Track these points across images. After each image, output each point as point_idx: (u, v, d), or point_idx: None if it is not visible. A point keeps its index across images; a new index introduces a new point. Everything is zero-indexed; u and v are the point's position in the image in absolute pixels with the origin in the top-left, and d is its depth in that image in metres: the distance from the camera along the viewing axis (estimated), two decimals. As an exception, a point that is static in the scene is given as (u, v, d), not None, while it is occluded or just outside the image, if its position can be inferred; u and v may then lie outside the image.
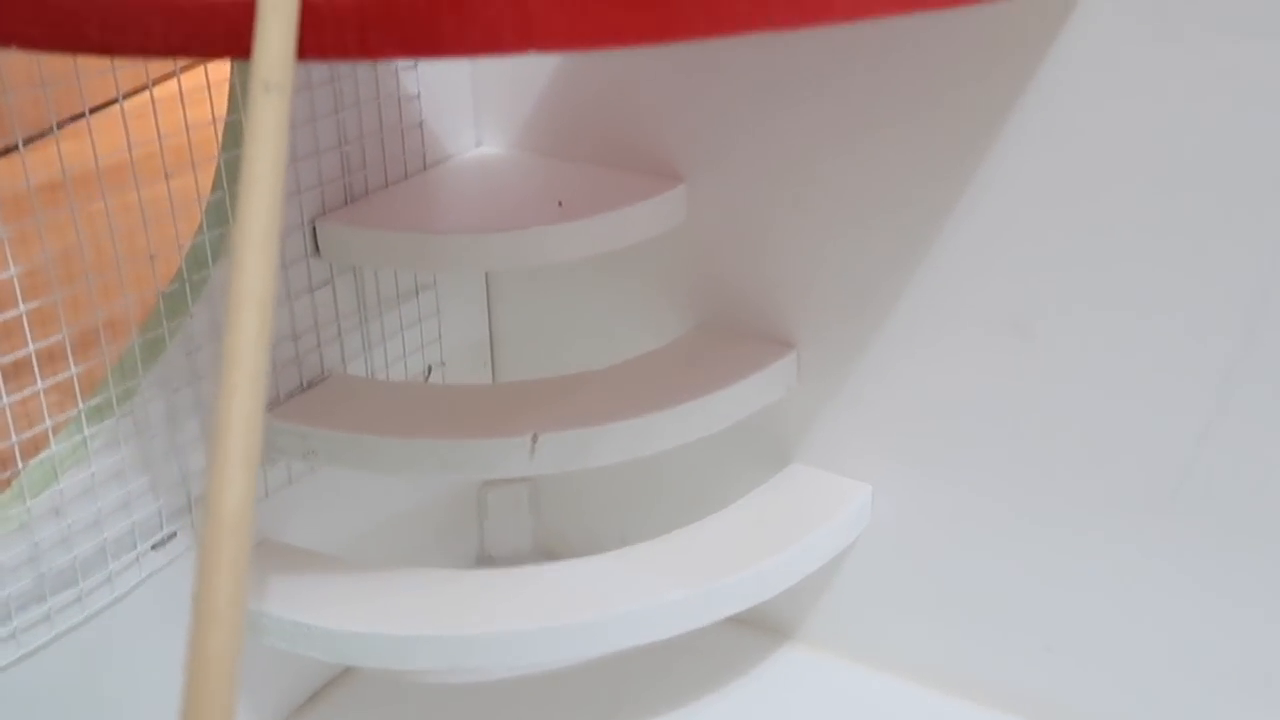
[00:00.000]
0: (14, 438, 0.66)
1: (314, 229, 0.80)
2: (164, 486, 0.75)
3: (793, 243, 0.82)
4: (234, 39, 0.48)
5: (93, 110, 0.65)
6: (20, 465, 0.67)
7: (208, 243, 0.74)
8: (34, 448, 0.68)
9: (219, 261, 0.74)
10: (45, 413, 0.67)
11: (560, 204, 0.80)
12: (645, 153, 0.85)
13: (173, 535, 0.76)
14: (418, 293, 0.91)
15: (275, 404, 0.80)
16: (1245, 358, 0.69)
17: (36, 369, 0.66)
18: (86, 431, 0.69)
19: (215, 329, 0.76)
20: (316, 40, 0.48)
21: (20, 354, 0.65)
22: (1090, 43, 0.68)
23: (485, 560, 1.03)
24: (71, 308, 0.68)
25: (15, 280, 0.64)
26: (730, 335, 0.86)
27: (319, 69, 0.78)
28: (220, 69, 0.69)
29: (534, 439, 0.75)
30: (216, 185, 0.75)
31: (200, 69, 0.72)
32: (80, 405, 0.69)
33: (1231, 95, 0.65)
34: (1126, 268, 0.71)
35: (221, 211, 0.74)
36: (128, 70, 0.68)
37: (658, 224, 0.83)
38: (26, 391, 0.66)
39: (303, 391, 0.82)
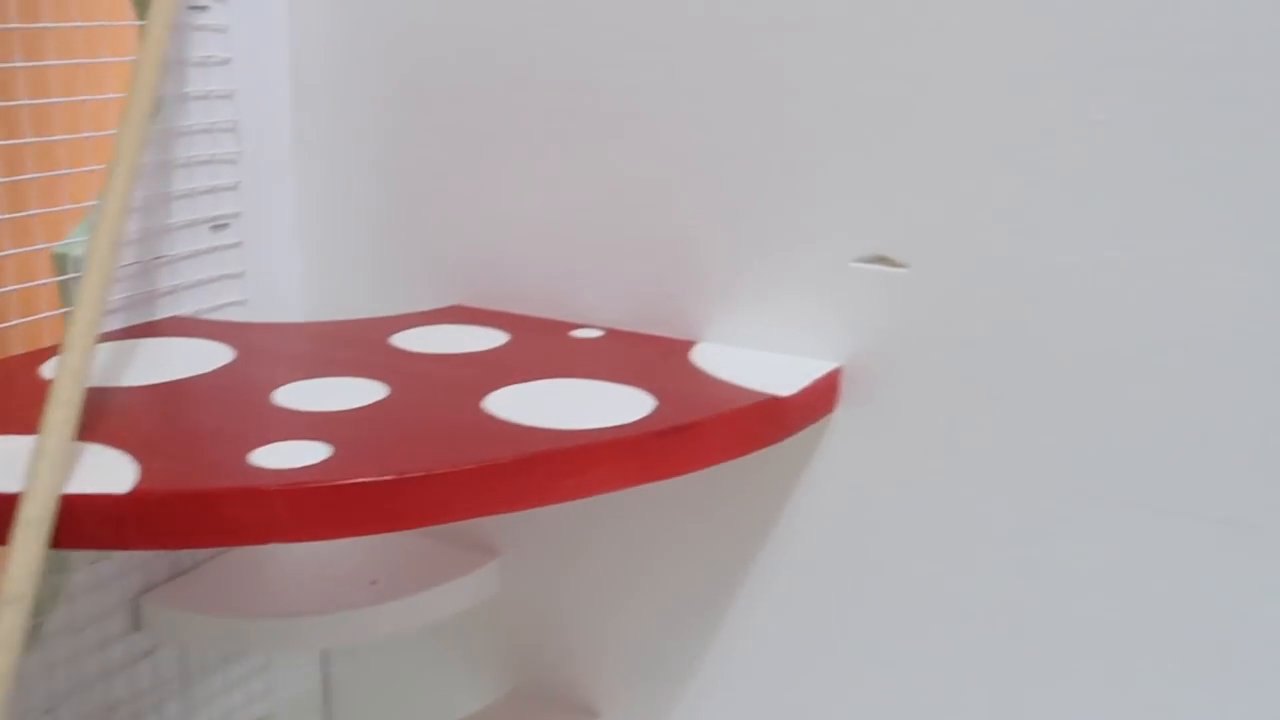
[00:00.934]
0: None
1: (136, 606, 0.84)
2: None
3: (595, 616, 0.86)
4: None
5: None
6: None
7: None
8: None
9: None
10: None
11: (374, 582, 0.85)
12: (460, 527, 0.90)
13: None
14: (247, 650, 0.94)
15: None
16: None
17: None
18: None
19: None
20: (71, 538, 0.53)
21: None
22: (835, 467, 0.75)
23: None
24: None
25: None
26: (538, 703, 0.90)
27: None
28: None
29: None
30: None
31: None
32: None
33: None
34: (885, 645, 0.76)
35: None
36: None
37: (471, 597, 0.88)
38: None
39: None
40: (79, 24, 0.75)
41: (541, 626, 0.89)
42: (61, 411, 0.56)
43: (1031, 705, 0.72)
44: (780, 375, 0.70)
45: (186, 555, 0.88)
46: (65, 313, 0.76)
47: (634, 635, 0.85)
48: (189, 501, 0.53)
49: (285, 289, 0.92)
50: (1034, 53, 0.66)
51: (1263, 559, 0.65)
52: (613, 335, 0.79)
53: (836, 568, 0.77)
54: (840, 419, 0.74)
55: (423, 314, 0.84)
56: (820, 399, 0.71)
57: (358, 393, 0.67)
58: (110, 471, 0.55)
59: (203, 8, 0.82)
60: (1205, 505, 0.66)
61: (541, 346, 0.76)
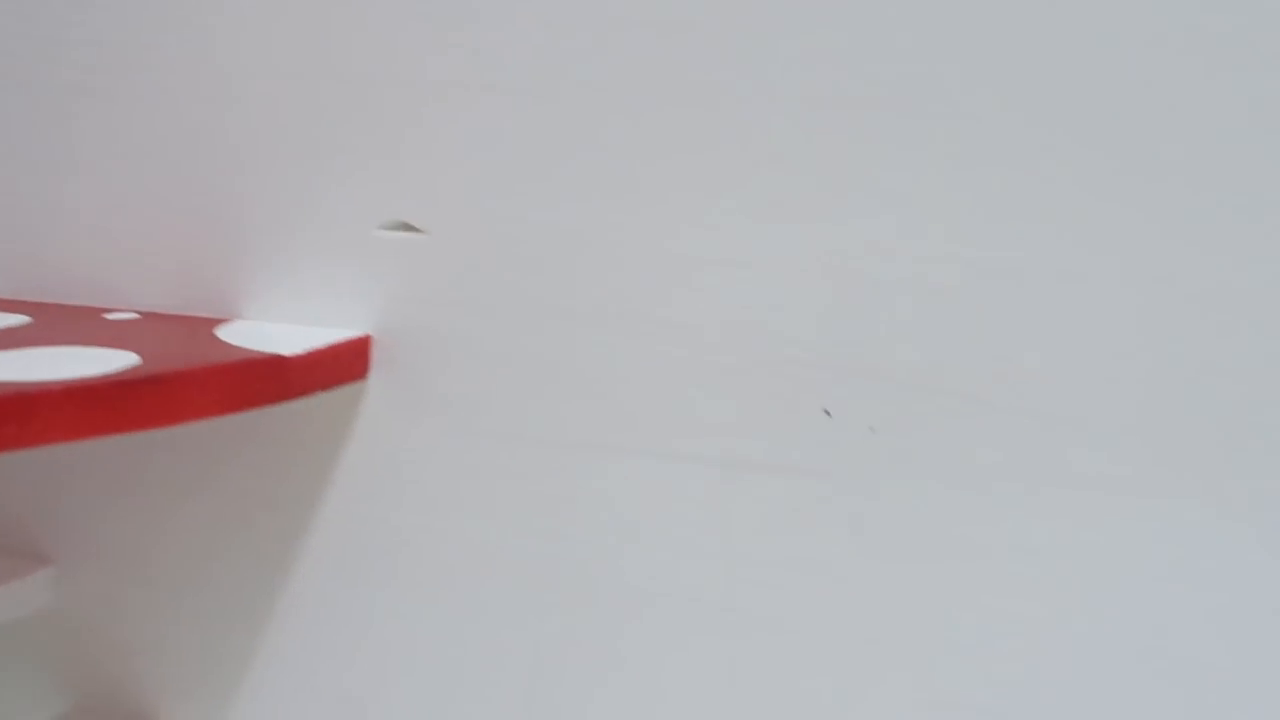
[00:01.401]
0: None
1: None
2: None
3: (155, 624, 0.83)
4: None
5: None
6: None
7: None
8: None
9: None
10: None
11: (-97, 594, 0.80)
12: (12, 534, 0.86)
13: None
14: None
15: None
16: None
17: None
18: None
19: None
20: None
21: None
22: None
23: None
24: None
25: None
26: (106, 716, 0.86)
27: None
28: None
29: None
30: None
31: None
32: None
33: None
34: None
35: None
36: None
37: (21, 606, 0.83)
38: None
39: None
40: None
41: (102, 638, 0.85)
42: None
43: (581, 655, 0.73)
44: (298, 342, 0.70)
45: None
46: None
47: (192, 640, 0.82)
48: None
49: None
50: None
51: (761, 501, 0.68)
52: (148, 317, 0.77)
53: (381, 541, 0.76)
54: (375, 389, 0.74)
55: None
56: (338, 364, 0.71)
57: None
58: None
59: None
60: (708, 448, 0.69)
61: (63, 326, 0.74)
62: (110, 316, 0.77)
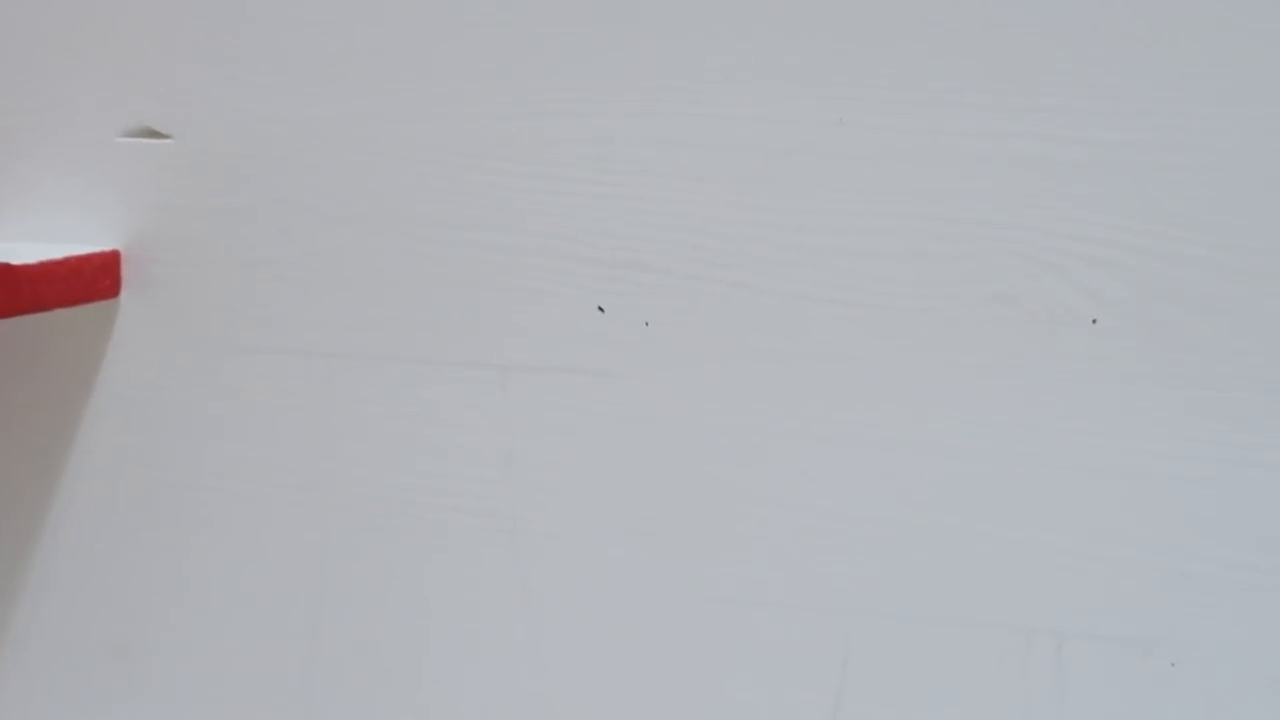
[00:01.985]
0: None
1: None
2: None
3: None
4: None
5: None
6: None
7: None
8: None
9: None
10: None
11: None
12: None
13: None
14: None
15: None
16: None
17: None
18: None
19: None
20: None
21: None
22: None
23: None
24: None
25: None
26: None
27: None
28: None
29: None
30: None
31: None
32: None
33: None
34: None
35: None
36: None
37: None
38: None
39: None
40: None
41: None
42: None
43: (368, 575, 0.70)
44: (33, 255, 0.65)
45: None
46: None
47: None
48: None
49: None
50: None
51: (541, 403, 0.66)
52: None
53: (143, 470, 0.72)
54: (129, 307, 0.70)
55: None
56: (79, 279, 0.66)
57: None
58: None
59: None
60: (486, 354, 0.66)
61: None
62: None
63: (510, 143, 0.64)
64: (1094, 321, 0.58)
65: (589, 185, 0.63)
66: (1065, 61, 0.57)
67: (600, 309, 0.64)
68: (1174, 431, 0.58)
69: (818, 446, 0.62)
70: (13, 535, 0.74)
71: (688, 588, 0.65)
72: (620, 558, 0.66)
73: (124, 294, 0.69)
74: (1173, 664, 0.59)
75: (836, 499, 0.62)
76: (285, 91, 0.66)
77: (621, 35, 0.62)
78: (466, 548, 0.68)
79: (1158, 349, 0.58)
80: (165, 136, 0.68)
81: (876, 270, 0.61)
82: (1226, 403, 0.57)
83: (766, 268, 0.61)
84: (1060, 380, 0.59)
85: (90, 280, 0.67)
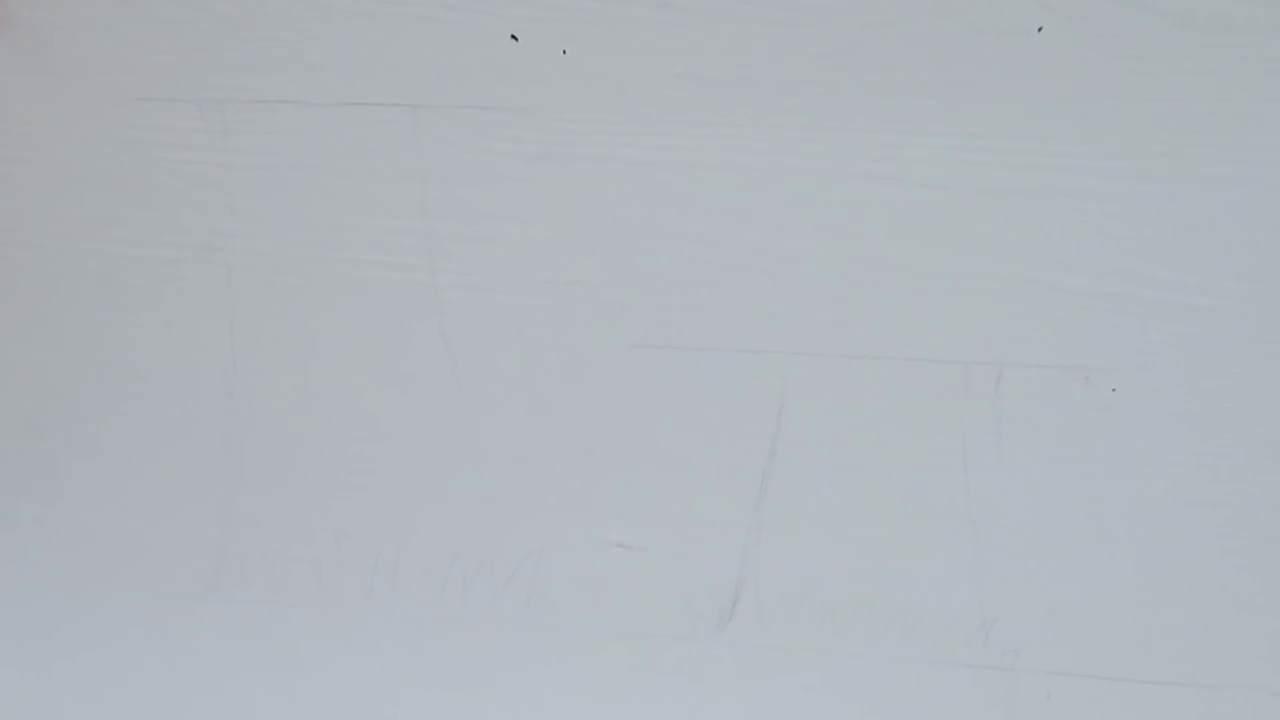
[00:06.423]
0: None
1: None
2: None
3: None
4: None
5: None
6: None
7: None
8: None
9: None
10: None
11: None
12: None
13: None
14: None
15: None
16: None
17: None
18: None
19: None
20: None
21: None
22: None
23: None
24: None
25: None
26: None
27: None
28: None
29: None
30: None
31: None
32: None
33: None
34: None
35: None
36: None
37: None
38: None
39: None
40: None
41: None
42: None
43: (262, 336, 0.67)
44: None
45: None
46: None
47: None
48: None
49: None
50: None
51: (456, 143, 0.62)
52: None
53: (32, 228, 0.67)
54: (-2, 54, 0.64)
55: None
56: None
57: None
58: None
59: None
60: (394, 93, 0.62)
61: None
62: None
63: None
64: (1039, 30, 0.54)
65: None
66: None
67: (514, 37, 0.59)
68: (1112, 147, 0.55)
69: (752, 177, 0.59)
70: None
71: (613, 333, 0.62)
72: (543, 307, 0.63)
73: (-8, 39, 0.64)
74: (1114, 389, 0.57)
75: (770, 234, 0.59)
76: None
77: None
78: (385, 300, 0.64)
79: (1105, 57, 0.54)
80: None
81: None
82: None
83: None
84: (1002, 98, 0.56)
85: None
